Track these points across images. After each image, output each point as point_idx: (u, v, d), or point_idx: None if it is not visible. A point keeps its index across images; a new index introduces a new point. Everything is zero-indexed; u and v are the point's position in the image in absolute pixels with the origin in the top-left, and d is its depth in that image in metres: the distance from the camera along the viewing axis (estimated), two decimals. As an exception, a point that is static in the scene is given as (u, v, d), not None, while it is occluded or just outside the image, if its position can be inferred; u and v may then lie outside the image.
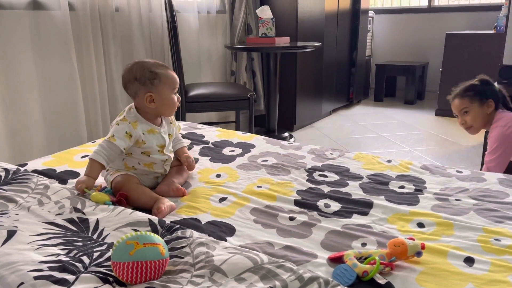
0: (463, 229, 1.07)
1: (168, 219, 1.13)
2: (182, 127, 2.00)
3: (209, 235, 1.05)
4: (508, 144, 1.83)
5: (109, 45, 2.54)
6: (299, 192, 1.32)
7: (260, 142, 1.84)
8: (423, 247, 0.94)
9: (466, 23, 4.71)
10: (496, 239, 1.01)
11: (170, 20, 2.61)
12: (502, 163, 1.85)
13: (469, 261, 0.93)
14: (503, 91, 1.99)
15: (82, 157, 1.62)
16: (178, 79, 1.36)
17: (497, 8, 4.38)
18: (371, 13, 4.96)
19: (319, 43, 3.25)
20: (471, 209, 1.18)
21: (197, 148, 1.74)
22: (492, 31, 4.02)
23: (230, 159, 1.63)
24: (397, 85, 5.32)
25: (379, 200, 1.25)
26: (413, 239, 0.97)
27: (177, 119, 2.79)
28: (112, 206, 1.14)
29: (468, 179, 1.40)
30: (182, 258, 0.91)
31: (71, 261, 0.88)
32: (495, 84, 2.04)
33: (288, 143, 1.83)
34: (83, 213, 1.11)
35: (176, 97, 1.35)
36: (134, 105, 1.33)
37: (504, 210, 1.17)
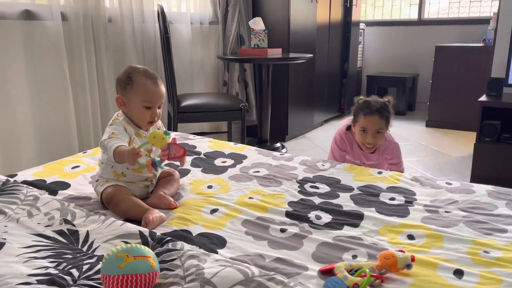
0: (453, 241, 1.08)
1: (159, 231, 1.12)
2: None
3: (200, 247, 1.05)
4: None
5: (102, 55, 2.54)
6: (290, 203, 1.32)
7: (252, 153, 1.85)
8: (413, 259, 0.95)
9: (456, 36, 4.79)
10: (485, 251, 1.02)
11: (163, 31, 2.62)
12: None
13: (459, 273, 0.94)
14: None
15: (73, 167, 1.61)
16: (159, 94, 1.29)
17: (485, 21, 4.46)
18: (362, 25, 5.02)
19: (311, 55, 3.28)
20: (460, 221, 1.19)
21: (188, 159, 1.74)
22: (481, 44, 4.08)
23: (222, 170, 1.63)
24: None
25: (369, 212, 1.25)
26: (403, 251, 0.97)
27: (169, 129, 2.79)
28: (103, 217, 1.13)
29: (457, 191, 1.41)
30: (173, 270, 0.91)
31: (60, 274, 0.88)
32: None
33: (280, 154, 1.83)
34: (73, 225, 1.10)
35: (150, 112, 1.29)
36: (121, 110, 1.35)
37: (493, 222, 1.18)
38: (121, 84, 1.31)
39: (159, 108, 1.34)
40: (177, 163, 1.46)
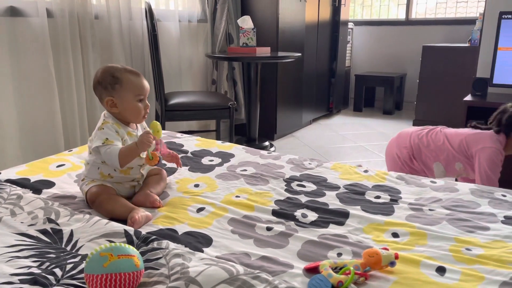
0: (436, 238, 1.09)
1: (144, 230, 1.12)
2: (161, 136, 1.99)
3: (185, 246, 1.04)
4: None
5: (88, 52, 2.51)
6: (277, 202, 1.33)
7: (239, 151, 1.85)
8: (396, 257, 0.96)
9: (442, 36, 4.84)
10: (467, 249, 1.04)
11: (150, 28, 2.61)
12: None
13: (441, 270, 0.95)
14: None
15: (58, 166, 1.59)
16: (146, 86, 1.33)
17: (471, 22, 4.52)
18: (350, 25, 5.05)
19: (300, 54, 3.29)
20: (443, 219, 1.20)
21: (175, 158, 1.73)
22: (467, 44, 4.14)
23: (209, 168, 1.63)
24: (376, 95, 5.42)
25: (355, 210, 1.26)
26: (387, 249, 0.98)
27: (156, 127, 2.77)
28: (87, 216, 1.12)
29: (441, 189, 1.43)
30: (158, 269, 0.91)
31: (43, 274, 0.87)
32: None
33: (268, 153, 1.84)
34: (57, 224, 1.09)
35: (143, 104, 1.32)
36: (106, 111, 1.33)
37: (475, 220, 1.20)
38: (106, 86, 1.28)
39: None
40: (173, 165, 1.54)
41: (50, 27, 2.30)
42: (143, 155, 1.33)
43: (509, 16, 2.62)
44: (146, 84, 1.34)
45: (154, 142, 1.30)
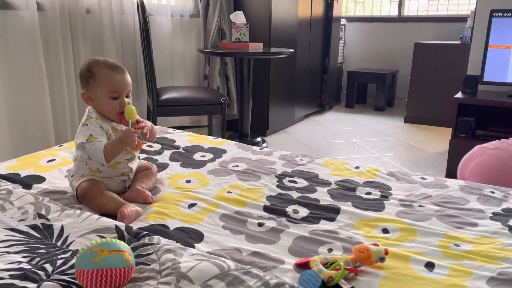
0: (425, 234, 1.11)
1: (135, 225, 1.12)
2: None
3: (177, 242, 1.05)
4: None
5: (79, 46, 2.49)
6: (268, 198, 1.33)
7: (231, 147, 1.85)
8: (386, 252, 0.97)
9: (434, 33, 4.87)
10: (456, 245, 1.05)
11: (142, 23, 2.59)
12: None
13: (430, 266, 0.96)
14: None
15: (49, 161, 1.58)
16: (122, 83, 1.26)
17: (463, 19, 4.55)
18: (343, 21, 5.06)
19: (292, 50, 3.29)
20: (433, 215, 1.22)
21: (167, 153, 1.73)
22: (458, 42, 4.17)
23: (200, 164, 1.63)
24: (368, 92, 5.44)
25: (346, 206, 1.27)
26: (377, 245, 0.99)
27: (148, 123, 2.76)
28: (78, 212, 1.12)
29: (431, 186, 1.44)
30: (149, 265, 0.91)
31: (33, 269, 0.86)
32: None
33: (260, 149, 1.84)
34: (47, 219, 1.08)
35: (117, 102, 1.27)
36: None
37: (464, 216, 1.21)
38: (83, 79, 1.27)
39: (127, 97, 1.30)
40: (165, 160, 1.48)
41: (40, 20, 2.27)
42: (129, 153, 1.33)
43: (500, 14, 2.65)
44: (124, 80, 1.28)
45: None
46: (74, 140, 1.32)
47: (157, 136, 1.91)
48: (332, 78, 4.89)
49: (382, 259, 0.96)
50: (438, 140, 3.71)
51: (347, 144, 3.57)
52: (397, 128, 4.14)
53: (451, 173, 2.71)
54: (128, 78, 1.31)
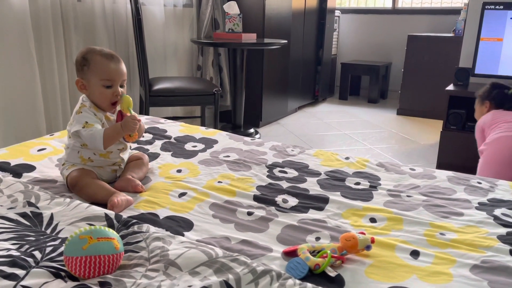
0: (412, 223, 1.12)
1: (125, 214, 1.12)
2: (144, 121, 1.99)
3: (166, 230, 1.05)
4: (477, 131, 2.29)
5: (71, 36, 2.47)
6: (258, 187, 1.34)
7: (223, 137, 1.85)
8: (372, 241, 0.98)
9: (428, 25, 4.87)
10: (441, 233, 1.07)
11: (134, 12, 2.57)
12: (479, 147, 2.22)
13: (415, 254, 0.98)
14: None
15: (39, 150, 1.58)
16: (116, 72, 1.26)
17: (456, 12, 4.56)
18: (337, 13, 5.05)
19: (285, 41, 3.29)
20: (420, 205, 1.24)
21: (158, 143, 1.73)
22: (451, 34, 4.18)
23: (192, 154, 1.63)
24: (361, 84, 5.45)
25: (335, 196, 1.28)
26: (364, 233, 1.00)
27: (140, 113, 2.76)
28: (68, 200, 1.12)
29: (420, 176, 1.46)
30: (138, 252, 0.92)
31: (22, 256, 0.87)
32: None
33: (251, 139, 1.85)
34: (37, 208, 1.09)
35: (110, 91, 1.27)
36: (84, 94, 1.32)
37: (451, 206, 1.23)
38: (78, 66, 1.27)
39: (121, 87, 1.30)
40: (156, 150, 1.47)
41: (31, 9, 2.25)
42: (121, 143, 1.34)
43: (492, 6, 2.66)
44: (119, 69, 1.28)
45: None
46: (67, 128, 1.32)
47: (148, 126, 1.92)
48: (326, 70, 4.89)
49: (368, 247, 0.97)
50: (430, 132, 3.74)
51: (339, 135, 3.59)
52: (389, 120, 4.16)
53: (441, 164, 2.74)
54: (123, 67, 1.31)
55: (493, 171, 1.99)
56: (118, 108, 1.32)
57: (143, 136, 1.79)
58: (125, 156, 1.39)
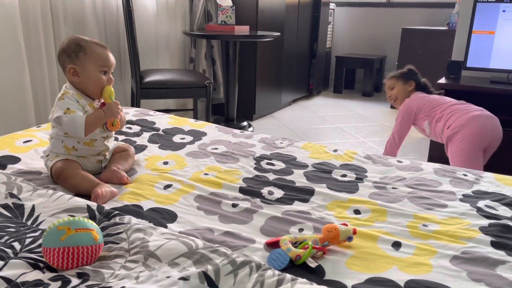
0: (395, 215, 1.13)
1: (109, 206, 1.12)
2: (133, 113, 1.97)
3: (150, 222, 1.05)
4: (408, 113, 2.35)
5: (60, 27, 2.45)
6: (245, 179, 1.34)
7: (212, 130, 1.85)
8: (354, 232, 0.98)
9: (422, 18, 4.86)
10: (424, 225, 1.07)
11: (125, 3, 2.55)
12: (401, 129, 2.39)
13: (397, 245, 0.98)
14: (427, 82, 2.49)
15: (25, 142, 1.57)
16: (111, 59, 1.32)
17: (451, 5, 4.55)
18: (332, 5, 5.03)
19: (279, 33, 3.27)
20: (405, 196, 1.24)
21: (146, 135, 1.72)
22: (445, 28, 4.17)
23: (179, 146, 1.62)
24: (356, 77, 5.44)
25: (320, 188, 1.28)
26: (346, 225, 1.01)
27: (132, 105, 2.75)
28: (50, 191, 1.11)
29: (406, 169, 1.46)
30: (118, 244, 0.91)
31: (1, 247, 0.86)
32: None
33: (240, 132, 1.84)
34: (19, 199, 1.08)
35: (106, 77, 1.31)
36: (68, 82, 1.31)
37: (435, 198, 1.23)
38: (70, 53, 1.26)
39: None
40: (143, 142, 1.47)
41: (20, 0, 2.23)
42: (106, 131, 1.34)
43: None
44: (111, 57, 1.33)
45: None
46: (49, 117, 1.31)
47: (137, 118, 1.91)
48: (320, 63, 4.88)
49: (350, 239, 0.97)
50: (423, 125, 3.74)
51: (333, 129, 3.58)
52: (383, 114, 4.16)
53: (433, 157, 2.74)
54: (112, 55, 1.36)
55: (476, 152, 2.04)
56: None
57: (129, 128, 1.78)
58: (110, 144, 1.38)
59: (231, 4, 3.25)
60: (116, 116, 1.29)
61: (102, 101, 1.32)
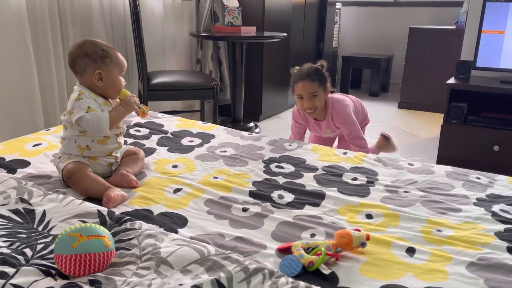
0: (409, 220, 1.11)
1: (119, 210, 1.11)
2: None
3: (160, 227, 1.05)
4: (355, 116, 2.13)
5: (68, 29, 2.45)
6: (254, 183, 1.33)
7: (220, 132, 1.84)
8: (368, 238, 0.97)
9: (429, 18, 4.82)
10: (438, 230, 1.06)
11: (132, 5, 2.54)
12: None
13: (411, 251, 0.97)
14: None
15: (34, 145, 1.57)
16: (126, 64, 1.38)
17: (459, 4, 4.50)
18: (338, 5, 5.00)
19: (285, 34, 3.25)
20: (417, 200, 1.22)
21: (155, 138, 1.72)
22: (453, 27, 4.13)
23: (188, 149, 1.62)
24: (362, 77, 5.41)
25: (331, 192, 1.27)
26: (359, 230, 0.99)
27: (139, 107, 2.74)
28: (61, 196, 1.11)
29: (418, 172, 1.44)
30: (129, 250, 0.91)
31: (13, 254, 0.86)
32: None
33: (249, 134, 1.83)
34: (30, 204, 1.08)
35: (122, 81, 1.37)
36: (78, 83, 1.33)
37: (449, 202, 1.21)
38: (96, 58, 1.28)
39: None
40: (152, 145, 1.64)
41: (27, 2, 2.22)
42: (120, 124, 1.38)
43: (494, -1, 2.61)
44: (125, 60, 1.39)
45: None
46: (61, 118, 1.34)
47: (145, 121, 1.90)
48: (327, 63, 4.85)
49: (363, 245, 0.96)
50: (431, 125, 3.71)
51: (340, 129, 3.56)
52: (390, 114, 4.13)
53: (442, 158, 2.72)
54: None
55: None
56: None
57: (138, 131, 1.77)
58: (122, 141, 1.41)
59: (238, 5, 3.24)
60: (135, 108, 1.36)
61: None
